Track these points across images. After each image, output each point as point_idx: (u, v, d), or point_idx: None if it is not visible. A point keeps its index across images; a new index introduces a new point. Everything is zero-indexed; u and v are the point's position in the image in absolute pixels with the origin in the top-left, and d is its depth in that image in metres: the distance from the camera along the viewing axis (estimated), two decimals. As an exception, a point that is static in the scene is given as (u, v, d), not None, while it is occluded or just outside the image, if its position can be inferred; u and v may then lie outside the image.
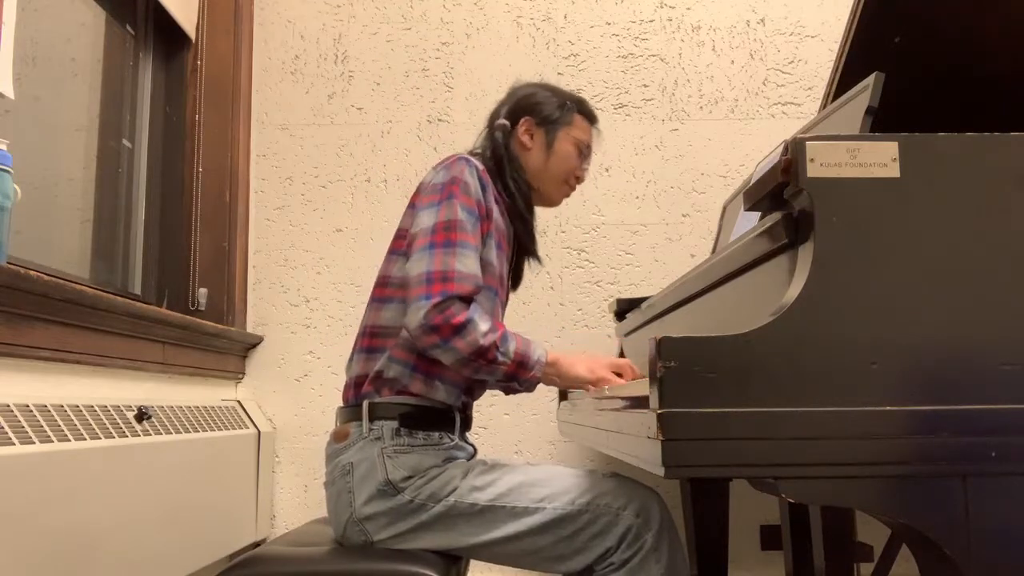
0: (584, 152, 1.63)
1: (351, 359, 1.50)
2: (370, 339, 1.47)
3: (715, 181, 2.47)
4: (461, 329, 1.34)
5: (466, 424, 1.51)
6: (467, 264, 1.38)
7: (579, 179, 1.65)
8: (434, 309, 1.33)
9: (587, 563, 1.35)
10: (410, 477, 1.37)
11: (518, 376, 1.40)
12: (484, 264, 1.44)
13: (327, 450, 1.47)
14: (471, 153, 1.57)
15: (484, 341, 1.35)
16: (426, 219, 1.42)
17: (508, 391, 1.69)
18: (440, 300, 1.34)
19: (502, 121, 1.60)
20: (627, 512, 1.34)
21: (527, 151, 1.59)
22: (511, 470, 1.41)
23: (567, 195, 1.66)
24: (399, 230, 1.49)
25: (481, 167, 1.48)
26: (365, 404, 1.42)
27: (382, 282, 1.49)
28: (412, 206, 1.49)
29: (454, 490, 1.36)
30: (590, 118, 1.65)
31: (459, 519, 1.36)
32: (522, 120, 1.59)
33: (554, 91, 1.64)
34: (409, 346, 1.42)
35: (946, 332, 0.91)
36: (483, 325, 1.36)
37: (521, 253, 1.64)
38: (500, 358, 1.37)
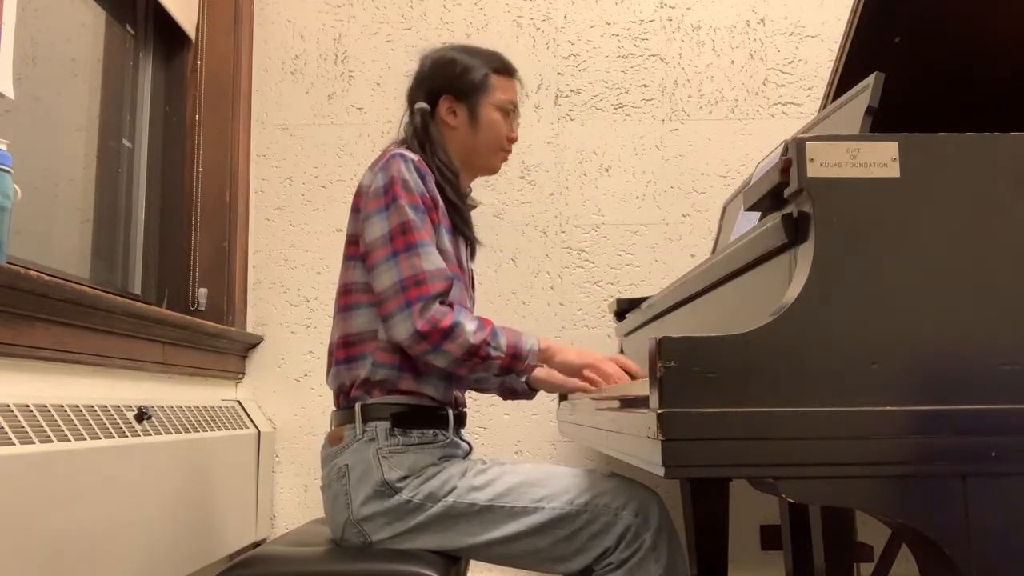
0: (511, 111, 1.57)
1: (329, 373, 1.49)
2: (346, 349, 1.46)
3: (715, 181, 2.47)
4: (450, 333, 1.34)
5: (460, 421, 1.51)
6: (432, 261, 1.38)
7: (512, 140, 1.58)
8: (419, 317, 1.34)
9: (586, 563, 1.35)
10: (406, 477, 1.37)
11: (514, 368, 1.40)
12: (440, 252, 1.42)
13: (322, 453, 1.47)
14: (400, 141, 1.54)
15: (474, 340, 1.35)
16: (378, 227, 1.40)
17: (506, 396, 1.69)
18: (421, 306, 1.34)
19: (421, 105, 1.54)
20: (626, 512, 1.34)
21: (453, 130, 1.54)
22: (509, 470, 1.40)
23: (505, 159, 1.60)
24: (349, 236, 1.47)
25: (416, 157, 1.45)
26: (357, 406, 1.41)
27: (345, 290, 1.47)
28: (356, 210, 1.46)
29: (452, 490, 1.36)
30: (508, 72, 1.57)
31: (458, 519, 1.36)
32: (441, 99, 1.53)
33: (465, 55, 1.56)
34: (391, 348, 1.42)
35: (946, 332, 0.91)
36: (470, 325, 1.36)
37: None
38: (493, 353, 1.37)
